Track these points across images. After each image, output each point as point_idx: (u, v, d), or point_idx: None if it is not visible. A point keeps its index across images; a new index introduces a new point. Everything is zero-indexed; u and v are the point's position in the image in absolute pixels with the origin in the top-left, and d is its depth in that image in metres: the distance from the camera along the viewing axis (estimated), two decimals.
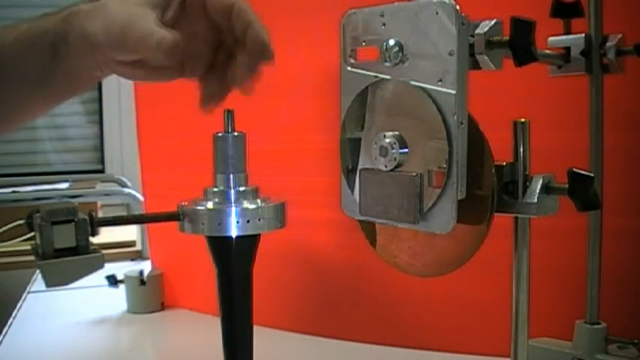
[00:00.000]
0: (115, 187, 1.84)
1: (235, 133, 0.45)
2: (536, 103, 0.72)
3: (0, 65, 0.54)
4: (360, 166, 0.46)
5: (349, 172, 0.48)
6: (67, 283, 0.38)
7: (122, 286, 1.06)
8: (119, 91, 2.29)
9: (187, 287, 1.06)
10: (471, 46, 0.43)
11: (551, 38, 0.61)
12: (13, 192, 1.75)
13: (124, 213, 1.78)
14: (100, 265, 0.39)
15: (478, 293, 0.78)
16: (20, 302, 1.14)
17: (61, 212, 0.38)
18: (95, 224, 0.40)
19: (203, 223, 0.44)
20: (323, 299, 0.92)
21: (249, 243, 0.45)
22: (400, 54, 0.44)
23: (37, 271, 1.41)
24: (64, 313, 1.07)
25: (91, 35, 0.50)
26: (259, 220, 0.44)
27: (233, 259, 0.45)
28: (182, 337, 0.96)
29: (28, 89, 0.55)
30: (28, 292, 1.21)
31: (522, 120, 0.47)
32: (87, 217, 0.39)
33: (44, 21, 0.53)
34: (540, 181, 0.46)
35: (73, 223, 0.38)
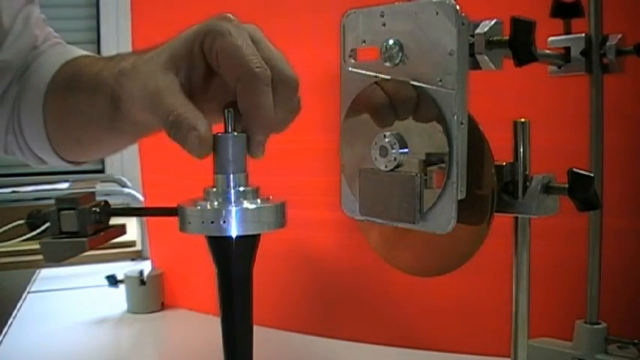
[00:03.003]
0: (115, 187, 1.84)
1: (235, 133, 0.45)
2: (536, 103, 0.72)
3: (75, 106, 0.56)
4: (359, 166, 0.46)
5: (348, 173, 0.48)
6: (58, 261, 0.44)
7: (122, 286, 1.06)
8: None
9: (187, 287, 1.06)
10: (471, 46, 0.43)
11: (551, 38, 0.61)
12: (13, 192, 1.75)
13: None
14: (81, 250, 0.44)
15: (478, 293, 0.78)
16: (20, 302, 1.14)
17: (67, 201, 0.44)
18: (104, 213, 0.46)
19: (203, 223, 0.44)
20: (323, 299, 0.92)
21: (249, 243, 0.45)
22: (400, 54, 0.44)
23: (37, 271, 1.42)
24: (64, 313, 1.07)
25: (137, 101, 0.48)
26: (259, 220, 0.44)
27: (233, 259, 0.45)
28: (182, 337, 0.96)
29: (103, 129, 0.56)
30: (28, 292, 1.21)
31: (522, 120, 0.47)
32: (87, 207, 0.45)
33: (106, 70, 0.52)
34: (540, 181, 0.46)
35: (75, 211, 0.44)
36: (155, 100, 0.45)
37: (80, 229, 0.44)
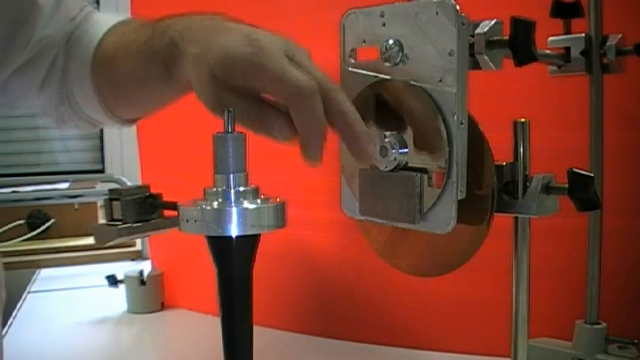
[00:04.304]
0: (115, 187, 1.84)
1: (235, 133, 0.45)
2: (536, 103, 0.72)
3: (128, 72, 0.60)
4: (359, 166, 0.46)
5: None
6: (102, 243, 0.51)
7: (122, 286, 1.06)
8: None
9: (187, 287, 1.06)
10: (471, 46, 0.43)
11: (551, 38, 0.61)
12: (13, 192, 1.75)
13: None
14: (113, 236, 0.50)
15: (478, 293, 0.78)
16: (20, 302, 1.14)
17: (116, 192, 0.51)
18: (148, 205, 0.52)
19: (203, 223, 0.43)
20: (323, 299, 0.92)
21: (249, 243, 0.45)
22: (400, 54, 0.44)
23: (37, 271, 1.42)
24: (64, 313, 1.07)
25: (200, 57, 0.48)
26: (259, 220, 0.44)
27: (233, 259, 0.45)
28: (182, 337, 0.96)
29: (156, 89, 0.59)
30: (28, 292, 1.21)
31: (522, 120, 0.47)
32: (129, 199, 0.51)
33: (153, 39, 0.55)
34: (540, 181, 0.46)
35: (120, 202, 0.51)
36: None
37: (123, 217, 0.50)
